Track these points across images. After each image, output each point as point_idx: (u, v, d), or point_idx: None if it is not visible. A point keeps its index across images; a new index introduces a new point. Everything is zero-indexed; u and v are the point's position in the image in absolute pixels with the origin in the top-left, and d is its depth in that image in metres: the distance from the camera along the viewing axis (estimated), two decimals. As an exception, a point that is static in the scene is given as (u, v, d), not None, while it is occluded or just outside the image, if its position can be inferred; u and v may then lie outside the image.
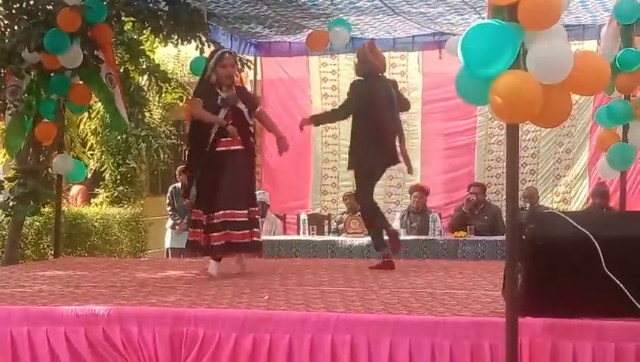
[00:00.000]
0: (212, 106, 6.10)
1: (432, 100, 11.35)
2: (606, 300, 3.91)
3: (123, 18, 8.23)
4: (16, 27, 7.31)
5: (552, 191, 11.06)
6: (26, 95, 7.44)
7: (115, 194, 12.91)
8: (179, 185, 10.30)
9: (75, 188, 12.96)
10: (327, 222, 10.62)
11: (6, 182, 7.87)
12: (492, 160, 11.23)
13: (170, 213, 10.69)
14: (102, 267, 6.97)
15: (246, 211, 6.13)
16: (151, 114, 12.34)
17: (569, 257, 3.94)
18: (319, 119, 7.48)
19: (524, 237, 3.99)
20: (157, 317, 4.43)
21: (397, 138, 6.99)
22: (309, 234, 9.83)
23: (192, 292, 5.29)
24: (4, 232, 8.80)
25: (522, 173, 10.42)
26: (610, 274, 3.84)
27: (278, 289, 5.42)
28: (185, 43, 8.44)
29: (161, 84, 9.05)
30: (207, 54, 7.83)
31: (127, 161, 12.81)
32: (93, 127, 12.67)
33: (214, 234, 6.02)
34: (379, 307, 4.61)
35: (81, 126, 12.68)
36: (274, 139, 6.57)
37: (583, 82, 3.96)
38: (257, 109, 6.50)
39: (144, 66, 8.95)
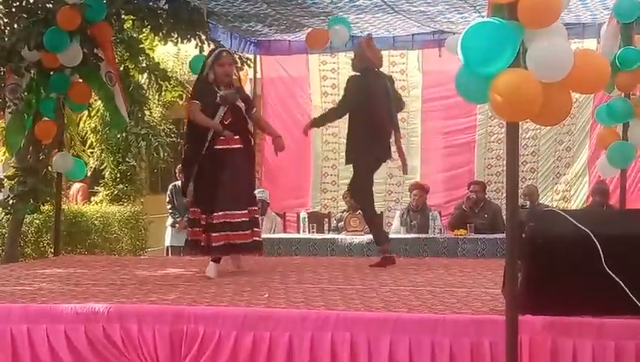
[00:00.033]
0: (211, 104, 6.06)
1: (431, 98, 11.36)
2: (606, 298, 3.92)
3: (123, 16, 8.23)
4: (15, 25, 7.31)
5: (552, 190, 11.06)
6: (25, 93, 7.44)
7: (115, 192, 12.89)
8: (179, 183, 10.28)
9: (76, 186, 12.95)
10: (327, 220, 10.63)
11: (6, 180, 7.88)
12: (492, 158, 11.23)
13: (170, 211, 10.70)
14: (102, 265, 6.98)
15: (246, 211, 6.09)
16: (151, 112, 12.33)
17: (569, 255, 3.94)
18: (320, 121, 7.45)
19: (524, 235, 3.99)
20: (157, 315, 4.43)
21: (393, 134, 7.02)
22: (309, 232, 9.83)
23: (192, 290, 5.30)
24: (4, 230, 8.80)
25: (522, 171, 10.43)
26: (610, 272, 3.84)
27: (278, 287, 5.42)
28: (185, 41, 8.44)
29: (161, 83, 9.04)
30: (206, 53, 7.84)
31: (127, 159, 12.80)
32: (93, 125, 12.65)
33: (214, 234, 5.97)
34: (379, 305, 4.61)
35: (81, 124, 12.66)
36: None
37: (582, 80, 3.96)
38: (253, 110, 6.45)
39: (144, 65, 8.95)
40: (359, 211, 7.90)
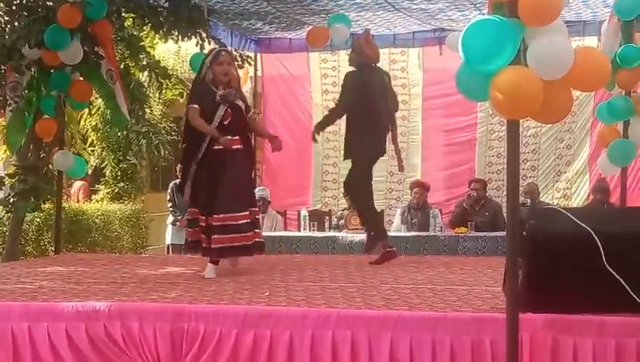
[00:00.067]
0: (210, 104, 5.97)
1: (432, 96, 11.36)
2: (607, 296, 3.92)
3: (123, 14, 8.22)
4: (16, 23, 7.29)
5: (553, 188, 11.07)
6: (26, 91, 7.43)
7: (116, 190, 12.91)
8: (179, 181, 10.29)
9: (77, 185, 12.97)
10: (327, 218, 10.63)
11: (7, 178, 7.87)
12: (493, 156, 11.24)
13: (170, 209, 10.70)
14: (102, 263, 6.97)
15: (248, 212, 6.01)
16: (151, 110, 12.33)
17: (570, 253, 3.94)
18: (323, 124, 7.35)
19: (524, 233, 3.99)
20: (158, 313, 4.43)
21: (390, 130, 7.04)
22: (310, 230, 9.83)
23: (193, 288, 5.30)
24: (4, 228, 8.80)
25: (523, 169, 10.43)
26: (611, 270, 3.84)
27: (279, 285, 5.42)
28: (185, 39, 8.43)
29: (162, 81, 9.03)
30: (207, 51, 7.83)
31: (128, 158, 12.81)
32: (94, 123, 12.66)
33: (215, 236, 5.87)
34: (379, 303, 4.61)
35: (82, 122, 12.66)
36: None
37: (583, 78, 3.96)
38: (249, 113, 6.37)
39: (144, 63, 8.94)
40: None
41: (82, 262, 7.09)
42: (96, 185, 13.21)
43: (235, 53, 9.07)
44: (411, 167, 11.42)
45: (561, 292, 3.96)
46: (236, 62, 8.86)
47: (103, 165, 12.93)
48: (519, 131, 4.02)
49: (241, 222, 5.93)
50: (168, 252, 10.80)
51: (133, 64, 8.82)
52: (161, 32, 8.31)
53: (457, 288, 5.18)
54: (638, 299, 3.85)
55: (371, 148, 6.89)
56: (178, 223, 10.38)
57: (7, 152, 9.18)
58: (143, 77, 9.60)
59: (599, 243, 3.87)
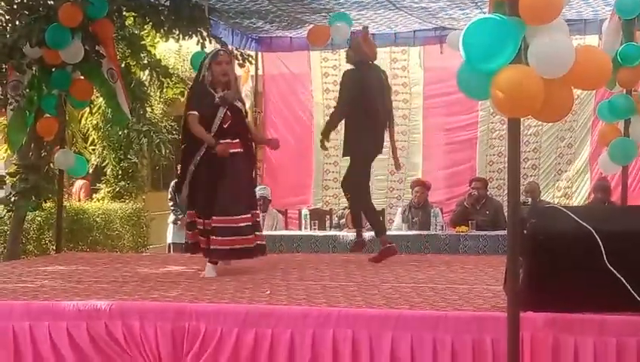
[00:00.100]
0: (209, 106, 5.92)
1: (433, 95, 11.37)
2: (607, 295, 3.92)
3: (124, 13, 8.22)
4: (17, 22, 7.30)
5: (554, 186, 11.08)
6: (27, 90, 7.43)
7: (117, 189, 12.92)
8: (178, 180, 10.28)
9: (78, 183, 12.97)
10: (328, 217, 10.64)
11: (8, 177, 7.88)
12: (494, 155, 11.24)
13: (171, 208, 10.69)
14: (104, 262, 6.98)
15: (249, 215, 5.98)
16: (152, 109, 12.35)
17: (571, 252, 3.94)
18: (327, 131, 7.30)
19: (525, 231, 3.99)
20: (159, 312, 4.44)
21: (387, 128, 7.06)
22: (311, 229, 9.84)
23: (194, 287, 5.30)
24: (5, 227, 8.81)
25: (524, 167, 10.43)
26: (612, 269, 3.84)
27: (280, 284, 5.42)
28: (186, 38, 8.43)
29: (163, 80, 9.03)
30: (208, 49, 7.83)
31: (129, 156, 12.82)
32: (95, 122, 12.67)
33: (215, 238, 5.85)
34: (380, 302, 4.61)
35: (83, 121, 12.67)
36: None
37: (584, 77, 3.96)
38: (246, 117, 6.37)
39: (145, 61, 8.94)
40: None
41: (83, 261, 7.09)
42: (97, 184, 13.21)
43: (235, 52, 9.08)
44: (412, 166, 11.44)
45: (562, 291, 3.96)
46: (237, 61, 8.91)
47: (103, 164, 12.94)
48: (520, 130, 4.02)
49: (241, 224, 5.90)
50: (169, 251, 10.79)
51: (134, 63, 8.82)
52: (162, 30, 8.32)
53: (458, 287, 5.18)
54: (638, 298, 3.84)
55: (369, 146, 6.91)
56: (179, 222, 10.38)
57: (9, 151, 9.17)
58: (144, 76, 9.60)
59: (600, 242, 3.86)
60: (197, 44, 8.35)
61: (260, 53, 11.14)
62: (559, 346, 3.96)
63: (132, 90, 8.28)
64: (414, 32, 10.24)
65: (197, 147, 5.97)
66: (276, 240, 9.28)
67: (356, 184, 7.03)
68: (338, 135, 11.11)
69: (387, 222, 10.52)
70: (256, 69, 11.32)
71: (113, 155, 12.85)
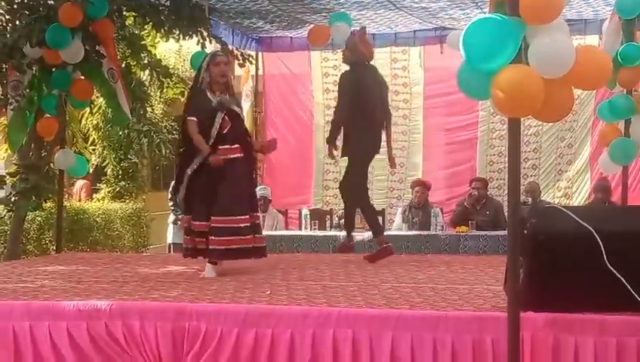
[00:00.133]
0: (207, 112, 5.91)
1: (433, 95, 11.36)
2: (608, 295, 3.92)
3: (124, 13, 8.21)
4: (17, 22, 7.30)
5: (554, 186, 11.07)
6: (27, 90, 7.43)
7: (117, 189, 12.91)
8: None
9: (79, 183, 12.96)
10: (328, 217, 10.63)
11: (8, 177, 7.88)
12: (494, 155, 11.24)
13: (172, 208, 10.68)
14: (104, 262, 6.98)
15: (247, 216, 5.98)
16: (152, 109, 12.34)
17: (571, 252, 3.94)
18: (332, 137, 7.22)
19: (525, 231, 3.99)
20: (159, 312, 4.44)
21: (384, 127, 7.08)
22: (311, 229, 9.83)
23: (194, 287, 5.30)
24: (6, 227, 8.80)
25: (524, 167, 10.42)
26: (612, 269, 3.84)
27: (280, 284, 5.42)
28: (186, 38, 8.43)
29: (163, 80, 9.03)
30: (208, 49, 7.83)
31: (129, 156, 12.81)
32: (95, 122, 12.66)
33: (214, 238, 5.86)
34: (380, 302, 4.61)
35: (83, 121, 12.66)
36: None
37: (584, 76, 3.96)
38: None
39: (146, 61, 8.94)
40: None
41: (83, 261, 7.09)
42: (98, 184, 13.21)
43: (236, 52, 9.08)
44: (412, 166, 11.43)
45: (562, 291, 3.96)
46: (237, 61, 8.92)
47: (104, 164, 12.93)
48: (520, 130, 4.02)
49: (240, 225, 5.90)
50: (169, 251, 10.78)
51: (135, 63, 8.82)
52: (162, 30, 8.32)
53: (458, 287, 5.18)
54: (639, 298, 3.84)
55: (367, 146, 6.92)
56: (179, 222, 10.37)
57: (9, 151, 9.18)
58: (144, 76, 9.60)
59: (600, 242, 3.86)
60: (197, 44, 8.35)
61: (260, 53, 11.14)
62: (559, 346, 3.96)
63: (132, 90, 8.28)
64: (414, 32, 10.25)
65: (195, 152, 5.97)
66: (276, 240, 9.27)
67: (355, 184, 7.04)
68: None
69: (387, 222, 10.53)
70: (257, 68, 11.32)
71: (113, 155, 12.84)
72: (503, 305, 4.18)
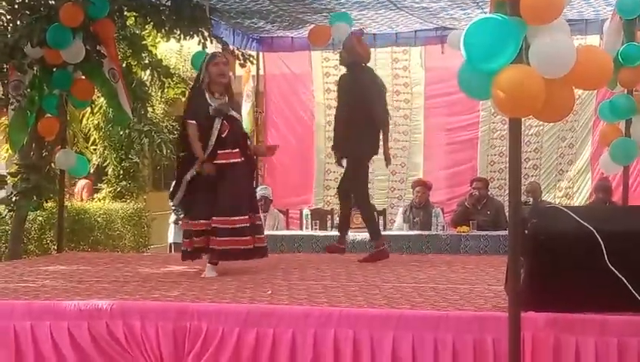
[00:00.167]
0: (205, 116, 5.91)
1: (434, 95, 11.36)
2: (609, 295, 3.92)
3: (125, 13, 8.21)
4: (18, 22, 7.30)
5: (555, 186, 11.07)
6: (28, 90, 7.43)
7: (118, 189, 12.92)
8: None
9: (81, 183, 12.97)
10: (330, 217, 10.63)
11: (9, 177, 7.87)
12: (495, 155, 11.23)
13: (172, 208, 10.68)
14: (105, 262, 6.98)
15: (247, 217, 5.98)
16: (153, 109, 12.34)
17: (572, 252, 3.94)
18: (337, 144, 7.34)
19: (526, 231, 3.99)
20: (160, 312, 4.44)
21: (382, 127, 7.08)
22: (312, 229, 9.83)
23: (195, 286, 5.30)
24: (7, 227, 8.81)
25: (525, 167, 10.42)
26: (613, 269, 3.84)
27: (281, 284, 5.42)
28: (187, 38, 8.42)
29: (164, 79, 9.04)
30: (209, 50, 7.83)
31: (130, 156, 12.82)
32: (96, 122, 12.66)
33: (214, 238, 5.87)
34: (382, 302, 4.62)
35: (84, 121, 12.67)
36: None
37: (585, 76, 3.96)
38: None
39: (146, 61, 8.94)
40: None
41: (84, 261, 7.09)
42: (99, 184, 13.22)
43: (237, 52, 9.08)
44: (413, 166, 11.43)
45: (563, 291, 3.96)
46: (238, 61, 8.92)
47: (105, 164, 12.94)
48: (521, 130, 4.02)
49: (239, 225, 5.90)
50: (170, 250, 10.80)
51: (136, 63, 8.82)
52: (163, 30, 8.32)
53: (459, 287, 5.18)
54: (640, 298, 3.85)
55: (365, 146, 6.93)
56: (180, 222, 10.36)
57: (10, 151, 9.19)
58: (145, 76, 9.60)
59: (601, 242, 3.86)
60: (198, 44, 8.35)
61: (261, 53, 11.14)
62: (560, 346, 3.96)
63: (133, 90, 8.28)
64: (415, 32, 10.24)
65: (195, 158, 5.98)
66: (277, 240, 9.27)
67: (355, 184, 7.04)
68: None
69: (388, 222, 10.54)
70: (258, 69, 11.32)
71: (114, 155, 12.85)
72: (503, 305, 4.18)
